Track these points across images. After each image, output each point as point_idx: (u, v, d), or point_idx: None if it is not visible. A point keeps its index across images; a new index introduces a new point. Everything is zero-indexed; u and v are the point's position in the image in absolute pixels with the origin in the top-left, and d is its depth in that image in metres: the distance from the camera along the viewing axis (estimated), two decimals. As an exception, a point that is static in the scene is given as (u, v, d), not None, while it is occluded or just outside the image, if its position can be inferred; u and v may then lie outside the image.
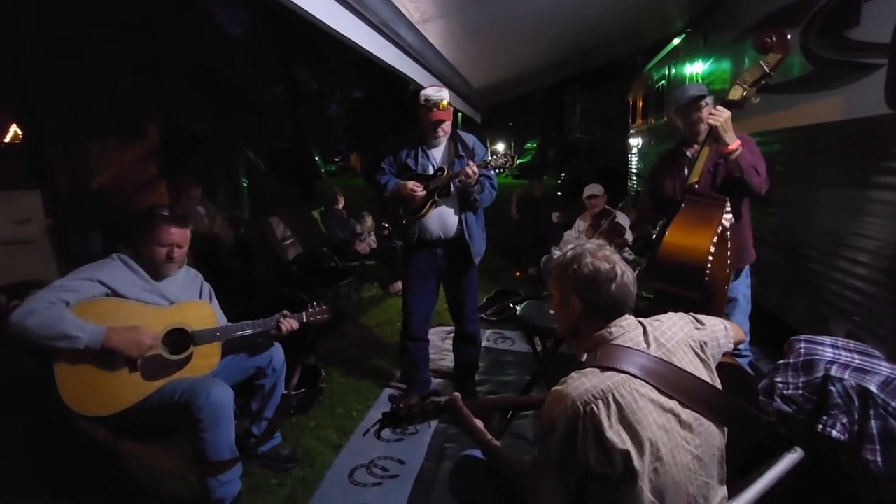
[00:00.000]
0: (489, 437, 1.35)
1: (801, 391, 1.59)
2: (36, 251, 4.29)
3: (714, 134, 2.03)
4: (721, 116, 1.99)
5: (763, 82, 2.02)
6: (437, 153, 2.64)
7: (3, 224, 4.15)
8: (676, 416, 1.08)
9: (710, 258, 1.85)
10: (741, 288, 2.40)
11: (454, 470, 1.47)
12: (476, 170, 2.45)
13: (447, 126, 2.58)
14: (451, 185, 2.54)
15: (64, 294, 1.74)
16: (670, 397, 1.09)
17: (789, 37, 1.98)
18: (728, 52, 4.00)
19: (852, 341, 1.69)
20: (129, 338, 1.76)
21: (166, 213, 1.97)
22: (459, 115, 6.96)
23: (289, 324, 2.11)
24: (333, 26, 2.29)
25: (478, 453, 1.42)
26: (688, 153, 2.34)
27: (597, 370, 1.10)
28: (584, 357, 1.20)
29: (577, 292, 1.20)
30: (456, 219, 2.62)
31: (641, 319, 1.23)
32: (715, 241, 1.87)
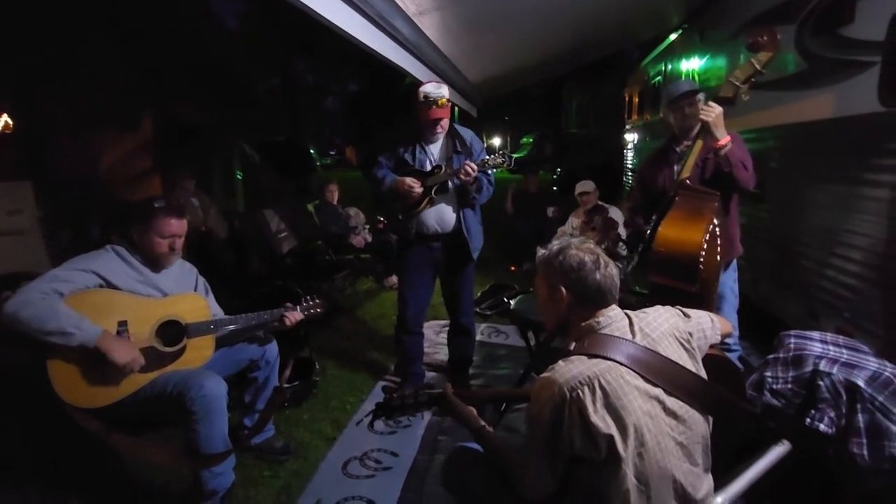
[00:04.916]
0: (482, 423, 1.37)
1: (790, 385, 1.60)
2: (27, 242, 4.26)
3: (706, 129, 2.06)
4: (713, 112, 2.03)
5: (754, 79, 2.05)
6: (435, 149, 2.63)
7: (-6, 215, 4.12)
8: (661, 402, 1.11)
9: (704, 250, 1.87)
10: (728, 282, 2.43)
11: (447, 462, 1.48)
12: (475, 168, 2.44)
13: (445, 123, 2.57)
14: (449, 183, 2.55)
15: (58, 285, 1.73)
16: (655, 385, 1.11)
17: (779, 37, 2.00)
18: (724, 49, 4.01)
19: (841, 336, 1.71)
20: (119, 349, 1.73)
21: (163, 205, 1.95)
22: (455, 109, 6.92)
23: (293, 317, 2.11)
24: (329, 18, 2.27)
25: (470, 445, 1.44)
26: (677, 149, 2.37)
27: (584, 357, 1.13)
28: (572, 346, 1.22)
29: (565, 282, 1.23)
30: (454, 214, 2.62)
31: (628, 311, 1.25)
32: (707, 233, 1.89)
